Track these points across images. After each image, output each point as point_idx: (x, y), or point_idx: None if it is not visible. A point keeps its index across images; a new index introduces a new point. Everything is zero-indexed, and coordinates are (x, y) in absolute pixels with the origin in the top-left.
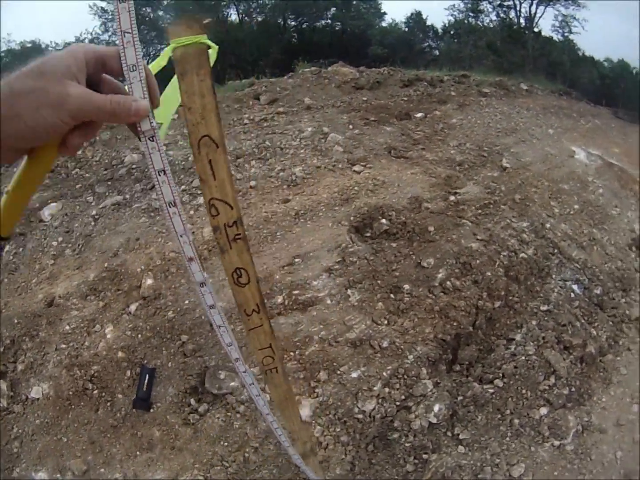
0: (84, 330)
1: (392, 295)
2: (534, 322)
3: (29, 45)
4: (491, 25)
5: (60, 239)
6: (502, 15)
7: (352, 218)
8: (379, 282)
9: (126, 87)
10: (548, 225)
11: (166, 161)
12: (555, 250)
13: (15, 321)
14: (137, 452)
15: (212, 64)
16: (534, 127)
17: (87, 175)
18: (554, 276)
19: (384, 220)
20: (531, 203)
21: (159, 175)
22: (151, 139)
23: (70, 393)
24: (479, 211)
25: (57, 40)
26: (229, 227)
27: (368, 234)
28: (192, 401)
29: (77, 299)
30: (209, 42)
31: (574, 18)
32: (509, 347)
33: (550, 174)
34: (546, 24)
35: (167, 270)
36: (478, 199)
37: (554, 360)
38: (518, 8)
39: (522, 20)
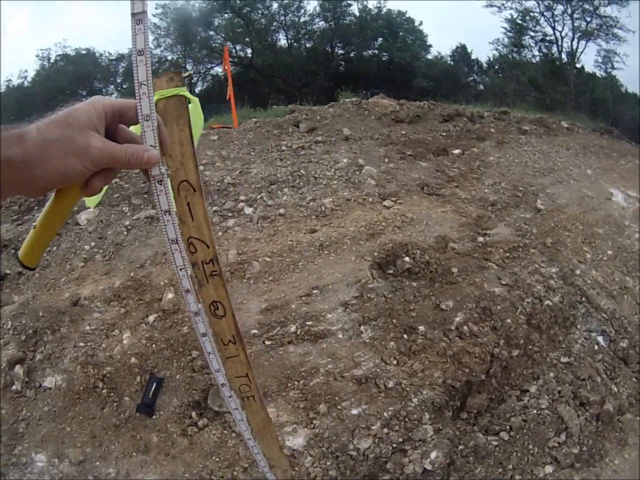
0: (103, 333)
1: (405, 336)
2: (551, 374)
3: (84, 52)
4: (534, 61)
5: (92, 243)
6: (544, 50)
7: (375, 254)
8: (394, 321)
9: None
10: (578, 272)
11: (172, 202)
12: (583, 299)
13: (40, 314)
14: (133, 453)
15: (198, 114)
16: (572, 167)
17: (125, 185)
18: (579, 326)
19: (407, 259)
20: (563, 247)
21: (165, 215)
22: (160, 182)
23: (81, 388)
24: (507, 254)
25: (110, 49)
26: (205, 264)
27: (390, 271)
28: (193, 414)
29: (101, 302)
30: (188, 95)
31: (616, 53)
32: (521, 398)
33: (585, 217)
34: (588, 59)
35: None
36: (507, 242)
37: (568, 416)
38: (560, 43)
39: (564, 56)
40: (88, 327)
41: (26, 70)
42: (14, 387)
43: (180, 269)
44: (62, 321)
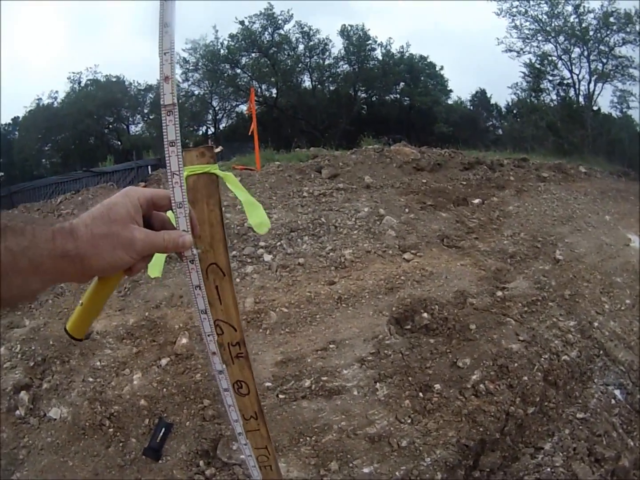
0: (113, 371)
1: (420, 394)
2: (566, 431)
3: (114, 79)
4: (552, 104)
5: None
6: (562, 93)
7: (394, 309)
8: (410, 378)
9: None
10: (596, 324)
11: (202, 279)
12: (601, 352)
13: (51, 342)
14: None
15: (233, 186)
16: (591, 213)
17: None
18: (595, 380)
19: (425, 314)
20: (581, 299)
21: (195, 289)
22: (191, 261)
23: (87, 424)
24: (525, 309)
25: (139, 80)
26: (232, 346)
27: (408, 327)
28: (201, 463)
29: (113, 339)
30: (219, 172)
31: (631, 93)
32: (535, 456)
33: (603, 265)
34: (604, 100)
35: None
36: (526, 295)
37: (582, 473)
38: (577, 86)
39: (581, 99)
40: (98, 363)
41: (56, 91)
42: (17, 413)
43: (208, 335)
44: (73, 353)
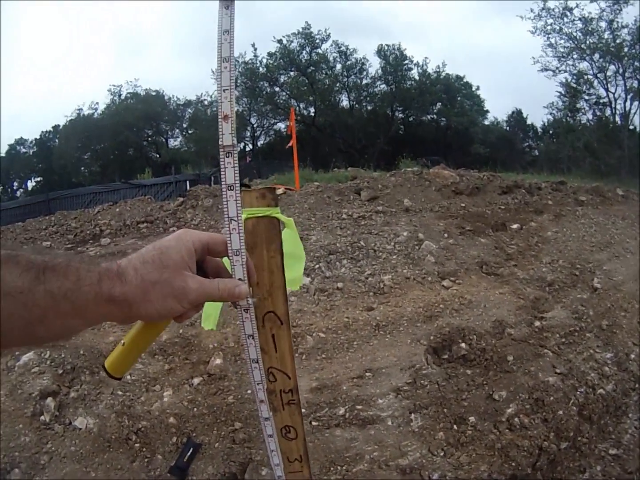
0: (144, 386)
1: (455, 427)
2: (598, 468)
3: (154, 93)
4: (588, 124)
5: None
6: (598, 113)
7: (432, 337)
8: (445, 410)
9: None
10: (633, 356)
11: (255, 328)
12: (637, 385)
13: (81, 352)
14: None
15: (296, 242)
16: (629, 239)
17: None
18: (630, 415)
19: (463, 345)
20: (618, 330)
21: (248, 338)
22: (245, 310)
23: (113, 437)
24: (563, 340)
25: (178, 95)
26: (284, 393)
27: (445, 357)
28: None
29: (145, 354)
30: (282, 217)
31: None
32: None
33: None
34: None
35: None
36: (563, 326)
37: None
38: (613, 105)
39: (617, 118)
40: (129, 377)
41: (97, 103)
42: (42, 418)
43: (258, 384)
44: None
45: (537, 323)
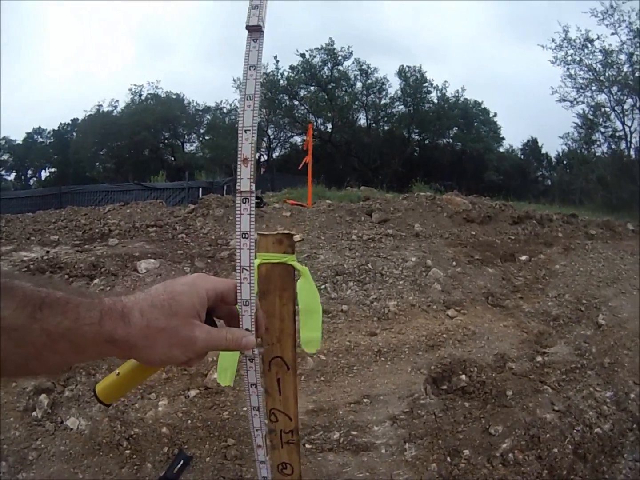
0: (139, 393)
1: (448, 459)
2: None
3: (174, 96)
4: (603, 157)
5: None
6: (613, 146)
7: (432, 367)
8: (440, 441)
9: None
10: (632, 395)
11: (259, 377)
12: (634, 426)
13: None
14: None
15: (314, 295)
16: (636, 275)
17: (191, 244)
18: (625, 455)
19: (463, 377)
20: (620, 368)
21: (251, 387)
22: (250, 360)
23: (104, 441)
24: (564, 376)
25: (198, 100)
26: (284, 433)
27: (444, 387)
28: None
29: None
30: (298, 265)
31: None
32: None
33: None
34: None
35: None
36: (565, 362)
37: None
38: (629, 139)
39: (632, 152)
40: None
41: (117, 100)
42: (33, 414)
43: (257, 430)
44: (100, 367)
45: (539, 358)
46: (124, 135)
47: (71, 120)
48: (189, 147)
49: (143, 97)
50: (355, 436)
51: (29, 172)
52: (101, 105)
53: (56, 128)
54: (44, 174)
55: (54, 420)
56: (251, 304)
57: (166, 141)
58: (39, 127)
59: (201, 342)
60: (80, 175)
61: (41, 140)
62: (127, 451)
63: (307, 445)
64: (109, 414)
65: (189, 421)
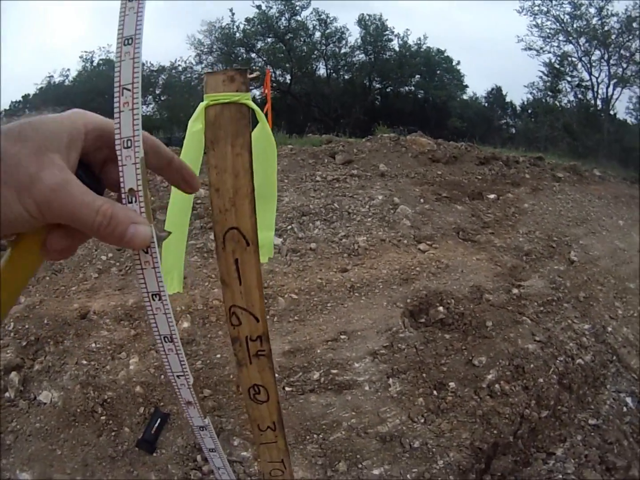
0: (109, 354)
1: (435, 392)
2: (579, 437)
3: None
4: (568, 106)
5: (110, 254)
6: (579, 96)
7: (408, 300)
8: (424, 375)
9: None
10: (610, 329)
11: (163, 284)
12: (614, 358)
13: (45, 321)
14: None
15: (269, 139)
16: (605, 217)
17: (152, 199)
18: (608, 386)
19: (441, 308)
20: (595, 302)
21: (153, 299)
22: (156, 297)
23: (78, 410)
24: (541, 308)
25: (152, 61)
26: (251, 341)
27: (422, 320)
28: (198, 458)
29: (111, 320)
30: (253, 105)
31: None
32: (547, 461)
33: (617, 270)
34: (620, 105)
35: (207, 318)
36: (541, 295)
37: None
38: (595, 89)
39: (598, 102)
40: (94, 345)
41: (68, 69)
42: (6, 395)
43: (178, 376)
44: (67, 333)
45: (515, 290)
46: (77, 104)
47: (22, 96)
48: (146, 109)
49: (95, 64)
50: (336, 374)
51: None
52: (52, 77)
53: (8, 107)
54: None
55: (27, 397)
56: (135, 147)
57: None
58: None
59: (46, 188)
60: None
61: None
62: (103, 417)
63: (286, 388)
64: (80, 380)
65: (162, 376)
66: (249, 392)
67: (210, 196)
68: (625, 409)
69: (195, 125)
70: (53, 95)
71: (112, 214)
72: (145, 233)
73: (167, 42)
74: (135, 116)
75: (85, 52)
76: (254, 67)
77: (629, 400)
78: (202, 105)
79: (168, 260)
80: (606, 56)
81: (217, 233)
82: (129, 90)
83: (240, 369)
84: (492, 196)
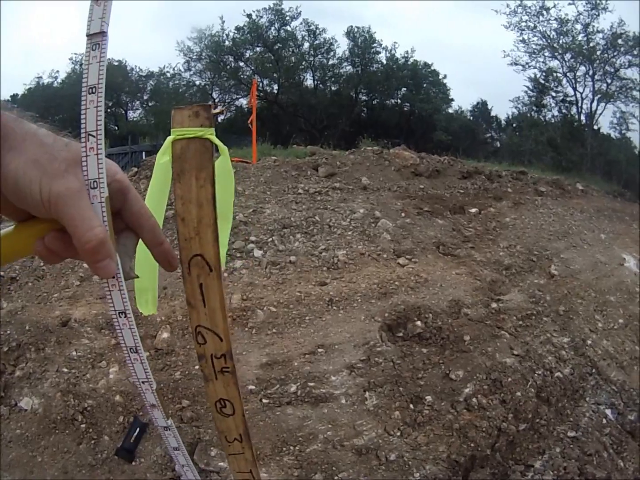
0: (89, 362)
1: (411, 406)
2: (557, 449)
3: (116, 63)
4: (553, 121)
5: None
6: (564, 111)
7: (386, 314)
8: (400, 389)
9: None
10: (589, 342)
11: (127, 303)
12: (593, 370)
13: (27, 327)
14: None
15: (228, 172)
16: (586, 231)
17: None
18: (587, 399)
19: (419, 322)
20: (575, 316)
21: (120, 317)
22: (122, 314)
23: (59, 418)
24: (520, 322)
25: (141, 66)
26: (216, 358)
27: (400, 334)
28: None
29: (92, 328)
30: (216, 141)
31: (633, 115)
32: (525, 474)
33: (598, 283)
34: (604, 120)
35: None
36: (520, 309)
37: None
38: (580, 104)
39: (582, 117)
40: (74, 353)
41: (57, 71)
42: None
43: (143, 382)
44: (49, 340)
45: (494, 305)
46: (65, 106)
47: (10, 96)
48: (132, 115)
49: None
50: (313, 387)
51: None
52: (41, 77)
53: None
54: None
55: (8, 403)
56: (100, 186)
57: (109, 110)
58: None
59: (63, 187)
60: None
61: None
62: (83, 425)
63: (264, 400)
64: (61, 388)
65: None
66: (216, 406)
67: (176, 225)
68: (605, 420)
69: (163, 158)
70: (41, 96)
71: (102, 239)
72: (113, 269)
73: (157, 47)
74: (99, 160)
75: (75, 54)
76: (241, 76)
77: (608, 412)
78: (169, 139)
79: (142, 282)
80: (591, 72)
81: (183, 259)
82: (94, 136)
83: (207, 384)
84: (473, 210)
